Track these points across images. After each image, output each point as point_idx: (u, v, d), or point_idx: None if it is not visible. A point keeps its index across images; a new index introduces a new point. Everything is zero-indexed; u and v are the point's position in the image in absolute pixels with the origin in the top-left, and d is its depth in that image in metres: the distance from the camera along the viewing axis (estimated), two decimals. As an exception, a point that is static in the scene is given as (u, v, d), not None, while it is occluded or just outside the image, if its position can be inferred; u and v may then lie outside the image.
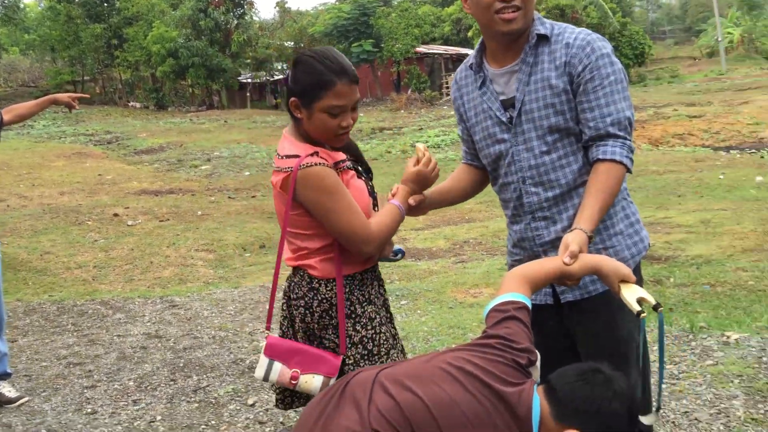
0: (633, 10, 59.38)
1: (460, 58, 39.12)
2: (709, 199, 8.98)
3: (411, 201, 2.10)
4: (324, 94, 1.97)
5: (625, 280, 1.76)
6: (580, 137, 2.02)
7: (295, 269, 2.13)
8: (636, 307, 1.71)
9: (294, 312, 2.13)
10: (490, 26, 2.00)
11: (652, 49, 47.37)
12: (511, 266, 2.27)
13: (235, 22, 36.44)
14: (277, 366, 2.11)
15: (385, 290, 2.22)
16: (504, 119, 2.07)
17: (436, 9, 41.91)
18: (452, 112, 26.97)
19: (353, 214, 1.98)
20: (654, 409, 1.80)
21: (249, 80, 39.53)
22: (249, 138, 20.86)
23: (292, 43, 36.55)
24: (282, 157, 2.06)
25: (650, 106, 19.70)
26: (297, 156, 2.00)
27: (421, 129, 21.87)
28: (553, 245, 2.07)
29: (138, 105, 37.12)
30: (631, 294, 1.74)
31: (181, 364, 4.31)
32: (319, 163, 1.96)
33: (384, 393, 1.60)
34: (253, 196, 12.72)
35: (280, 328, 2.24)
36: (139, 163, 17.33)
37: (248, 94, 38.46)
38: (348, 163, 2.09)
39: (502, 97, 2.08)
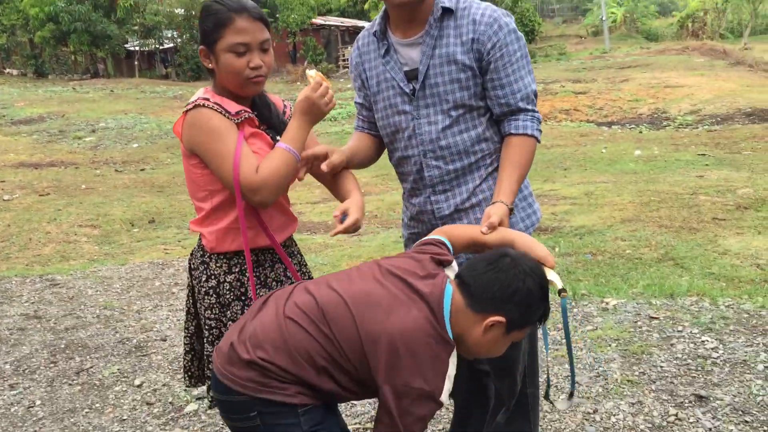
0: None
1: (356, 31, 38.91)
2: (593, 172, 9.41)
3: (324, 167, 1.95)
4: (224, 32, 1.87)
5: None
6: (482, 112, 2.03)
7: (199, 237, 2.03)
8: (559, 284, 1.68)
9: (193, 283, 2.05)
10: None
11: (542, 26, 48.93)
12: (408, 239, 2.28)
13: (122, -14, 34.62)
14: None
15: (296, 272, 2.06)
16: (407, 90, 2.04)
17: (332, -20, 41.44)
18: (349, 85, 26.89)
19: (239, 157, 1.83)
20: (567, 394, 1.83)
21: (137, 48, 37.78)
22: (138, 108, 19.97)
23: (183, 10, 35.15)
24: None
25: (539, 83, 20.35)
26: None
27: (318, 101, 21.62)
28: (451, 218, 2.08)
29: (15, 72, 34.74)
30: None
31: (63, 346, 4.11)
32: (207, 105, 1.87)
33: (304, 292, 1.63)
34: (142, 169, 12.23)
35: (186, 303, 2.14)
36: (17, 134, 16.24)
37: (136, 62, 36.77)
38: (247, 115, 1.93)
39: (405, 68, 2.04)
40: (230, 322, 1.94)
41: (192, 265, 2.04)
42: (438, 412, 1.70)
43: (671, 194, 7.19)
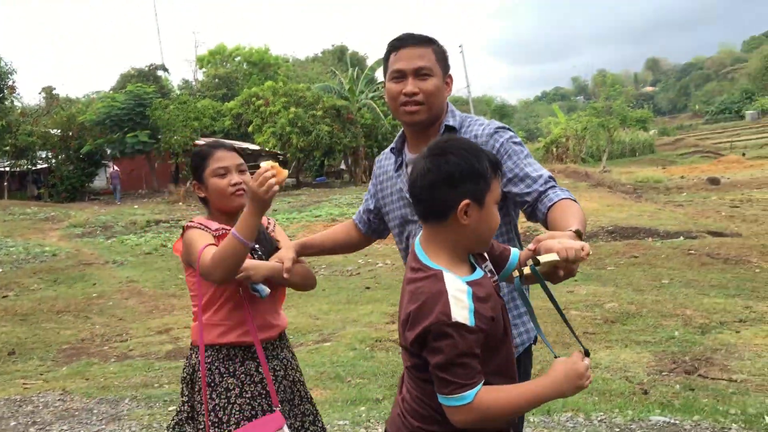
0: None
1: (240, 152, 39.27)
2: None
3: (286, 276, 2.37)
4: (208, 162, 2.45)
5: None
6: None
7: None
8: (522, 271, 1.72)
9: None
10: (397, 116, 2.22)
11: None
12: None
13: (-7, 106, 33.50)
14: None
15: (278, 376, 2.45)
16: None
17: (216, 103, 42.03)
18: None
19: (203, 249, 2.28)
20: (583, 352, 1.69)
21: (7, 169, 36.20)
22: (4, 231, 18.89)
23: (59, 131, 34.32)
24: None
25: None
26: None
27: (200, 222, 21.34)
28: None
29: None
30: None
31: None
32: (192, 226, 2.43)
33: None
34: (4, 296, 11.41)
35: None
36: None
37: (5, 183, 35.12)
38: (223, 231, 2.43)
39: None
40: (199, 405, 2.37)
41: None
42: None
43: (544, 309, 7.47)
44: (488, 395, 1.63)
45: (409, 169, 2.21)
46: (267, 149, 37.49)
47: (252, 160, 40.32)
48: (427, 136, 2.21)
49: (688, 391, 4.60)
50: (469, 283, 1.66)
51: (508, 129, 2.22)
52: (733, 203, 20.28)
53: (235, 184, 2.43)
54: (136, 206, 27.19)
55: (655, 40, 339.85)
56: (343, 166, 45.68)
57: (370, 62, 49.25)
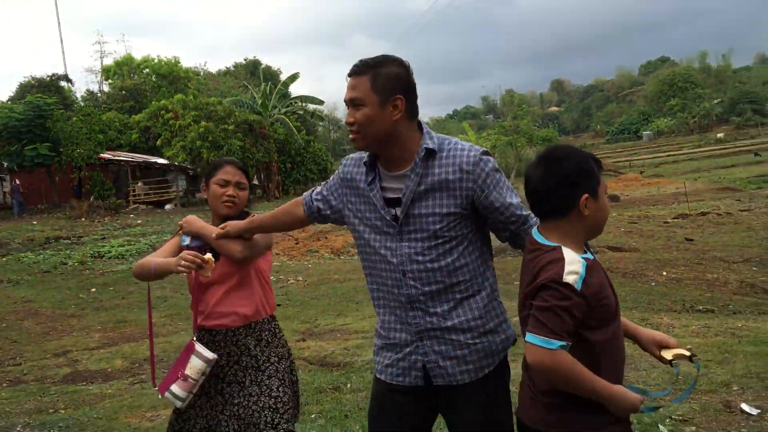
0: (317, 129, 63.95)
1: (148, 166, 38.17)
2: (383, 304, 9.70)
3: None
4: (216, 172, 2.99)
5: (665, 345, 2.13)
6: (459, 241, 2.26)
7: None
8: (687, 353, 2.09)
9: None
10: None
11: (334, 165, 51.34)
12: (380, 347, 2.45)
13: None
14: (174, 388, 2.76)
15: (232, 364, 2.89)
16: (388, 216, 2.29)
17: (123, 115, 40.72)
18: (139, 221, 25.93)
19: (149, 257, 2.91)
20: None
21: None
22: None
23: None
24: None
25: (332, 218, 21.08)
26: None
27: (104, 238, 20.57)
28: (421, 336, 2.29)
29: None
30: (669, 353, 2.11)
31: None
32: (178, 235, 3.01)
33: None
34: None
35: None
36: None
37: None
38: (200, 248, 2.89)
39: (387, 195, 2.31)
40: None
41: None
42: None
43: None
44: (568, 358, 1.88)
45: (383, 184, 2.32)
46: (176, 163, 36.59)
47: (160, 174, 39.29)
48: (403, 155, 2.28)
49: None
50: (584, 258, 1.97)
51: (489, 154, 2.30)
52: (632, 219, 21.27)
53: (229, 196, 2.95)
54: (34, 222, 25.91)
55: (559, 62, 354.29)
56: (255, 182, 45.12)
57: (283, 77, 49.05)
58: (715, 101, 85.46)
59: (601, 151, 76.15)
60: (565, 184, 1.99)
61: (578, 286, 1.89)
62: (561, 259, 1.93)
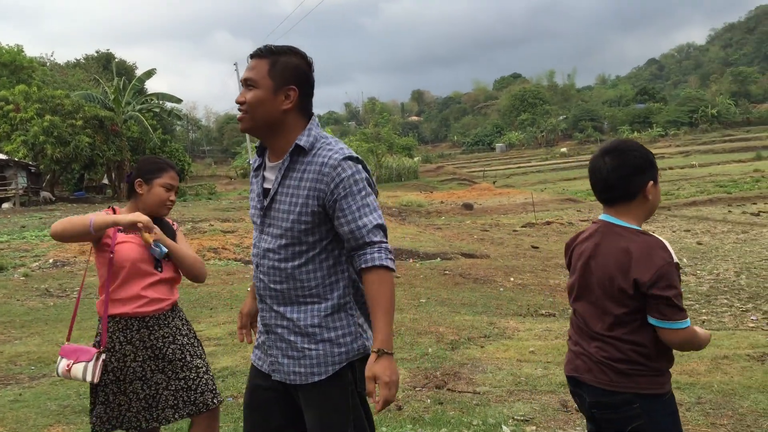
0: (174, 128, 61.79)
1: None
2: (238, 309, 9.49)
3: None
4: (162, 175, 3.12)
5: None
6: (310, 246, 2.25)
7: None
8: None
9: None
10: None
11: (192, 166, 49.84)
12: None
13: None
14: (62, 361, 3.00)
15: (165, 342, 3.10)
16: (259, 206, 2.33)
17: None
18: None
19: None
20: None
21: None
22: None
23: None
24: None
25: (189, 221, 20.41)
26: None
27: (-72, 239, 18.64)
28: (267, 329, 2.35)
29: None
30: None
31: None
32: (101, 214, 3.07)
33: None
34: None
35: None
36: None
37: None
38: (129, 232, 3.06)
39: (266, 185, 2.32)
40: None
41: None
42: None
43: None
44: (691, 323, 2.20)
45: (265, 173, 2.34)
46: (16, 159, 33.96)
47: (-2, 170, 36.25)
48: (279, 146, 2.29)
49: (438, 405, 4.89)
50: None
51: (355, 161, 2.23)
52: (484, 227, 22.25)
53: (171, 201, 3.16)
54: None
55: (420, 73, 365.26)
56: (105, 181, 42.77)
57: (139, 72, 46.94)
58: (561, 117, 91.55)
59: (458, 161, 79.16)
60: (636, 173, 2.28)
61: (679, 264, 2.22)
62: (660, 242, 2.21)
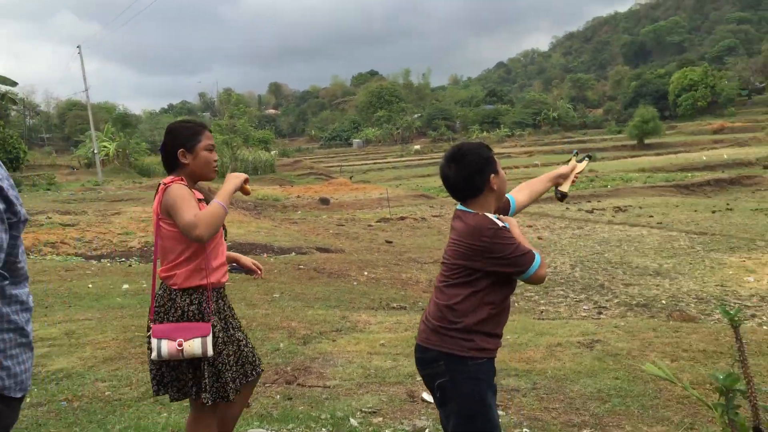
0: (9, 113, 57.09)
1: None
2: (77, 308, 8.91)
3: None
4: (201, 138, 3.02)
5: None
6: None
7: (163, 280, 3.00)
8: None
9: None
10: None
11: (28, 155, 46.29)
12: None
13: None
14: (164, 342, 2.87)
15: (229, 307, 3.19)
16: None
17: None
18: None
19: (189, 211, 2.80)
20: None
21: None
22: None
23: None
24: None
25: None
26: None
27: None
28: None
29: None
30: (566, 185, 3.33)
31: None
32: (181, 184, 2.93)
33: None
34: None
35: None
36: None
37: None
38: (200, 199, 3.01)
39: None
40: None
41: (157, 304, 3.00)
42: None
43: (141, 328, 7.22)
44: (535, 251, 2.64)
45: None
46: None
47: None
48: None
49: (287, 401, 4.84)
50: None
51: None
52: (340, 222, 22.39)
53: (215, 161, 3.10)
54: None
55: (279, 66, 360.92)
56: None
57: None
58: (416, 115, 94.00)
59: (315, 156, 79.19)
60: (476, 173, 2.60)
61: (507, 227, 2.59)
62: (487, 217, 2.58)
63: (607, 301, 10.35)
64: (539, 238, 17.37)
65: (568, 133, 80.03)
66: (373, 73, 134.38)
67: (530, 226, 19.98)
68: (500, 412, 4.35)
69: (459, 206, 2.71)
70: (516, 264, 2.54)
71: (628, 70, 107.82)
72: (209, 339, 2.89)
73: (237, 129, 45.59)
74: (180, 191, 2.88)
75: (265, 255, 13.83)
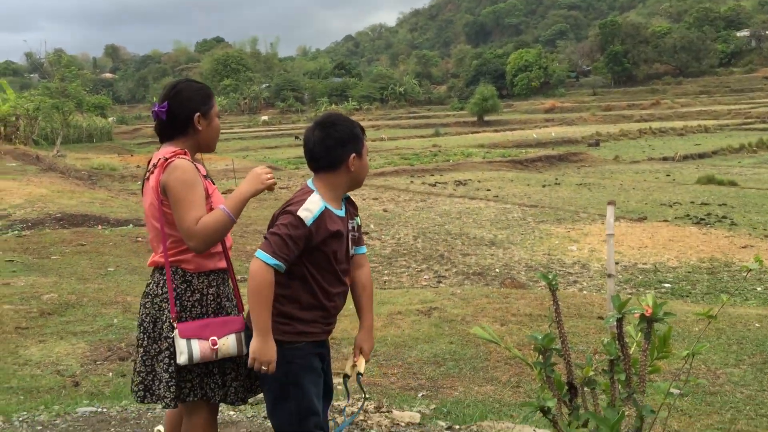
0: None
1: None
2: None
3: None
4: (214, 102, 2.69)
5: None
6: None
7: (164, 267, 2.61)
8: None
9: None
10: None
11: None
12: None
13: None
14: (194, 343, 2.46)
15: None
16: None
17: None
18: None
19: (191, 211, 2.44)
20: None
21: None
22: None
23: None
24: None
25: None
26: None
27: None
28: None
29: None
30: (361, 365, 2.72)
31: None
32: (186, 159, 2.54)
33: None
34: None
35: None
36: None
37: None
38: (206, 175, 2.65)
39: None
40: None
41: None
42: None
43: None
44: (270, 277, 2.35)
45: None
46: None
47: None
48: None
49: (120, 378, 4.64)
50: (327, 207, 2.45)
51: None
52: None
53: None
54: None
55: (116, 28, 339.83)
56: None
57: None
58: (264, 85, 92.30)
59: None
60: (338, 145, 2.47)
61: (308, 223, 2.37)
62: (304, 201, 2.40)
63: (446, 270, 10.80)
64: (384, 210, 17.75)
65: (414, 108, 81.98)
66: (218, 40, 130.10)
67: (376, 199, 20.35)
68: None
69: (309, 182, 2.55)
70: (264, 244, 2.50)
71: (470, 49, 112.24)
72: (243, 335, 2.55)
73: (69, 93, 42.45)
74: (187, 175, 2.49)
75: (100, 227, 13.06)
